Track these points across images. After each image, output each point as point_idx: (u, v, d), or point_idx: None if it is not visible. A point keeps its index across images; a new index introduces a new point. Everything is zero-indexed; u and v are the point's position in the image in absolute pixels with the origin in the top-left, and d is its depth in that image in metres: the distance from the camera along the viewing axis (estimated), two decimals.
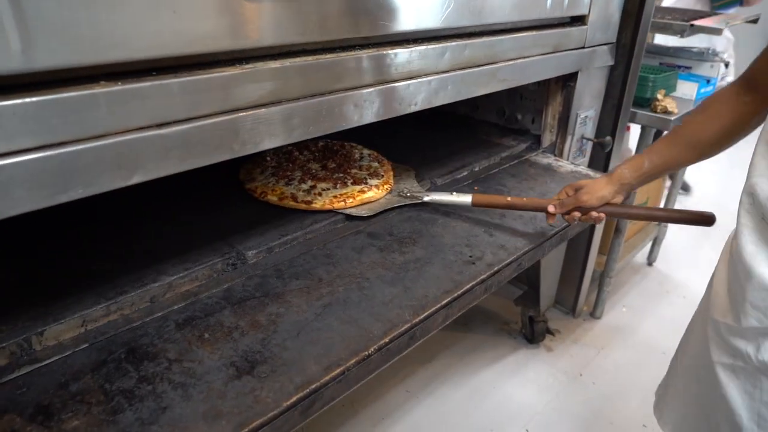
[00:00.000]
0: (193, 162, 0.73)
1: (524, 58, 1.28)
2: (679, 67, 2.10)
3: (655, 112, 1.76)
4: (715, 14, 2.06)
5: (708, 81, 1.98)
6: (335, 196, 1.21)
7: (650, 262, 2.68)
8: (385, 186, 1.29)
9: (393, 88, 0.97)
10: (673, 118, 1.72)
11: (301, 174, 1.31)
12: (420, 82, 1.02)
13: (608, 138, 1.62)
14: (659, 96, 1.75)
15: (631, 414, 1.79)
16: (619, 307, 2.34)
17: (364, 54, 0.91)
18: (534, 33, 1.28)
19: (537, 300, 1.99)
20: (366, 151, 1.49)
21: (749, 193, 0.74)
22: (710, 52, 2.05)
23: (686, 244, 2.83)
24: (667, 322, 2.24)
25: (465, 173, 1.46)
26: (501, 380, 1.91)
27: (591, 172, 1.52)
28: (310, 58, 0.84)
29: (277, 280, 0.97)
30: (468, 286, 0.97)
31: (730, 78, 2.16)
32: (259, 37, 0.77)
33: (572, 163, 1.57)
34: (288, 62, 0.82)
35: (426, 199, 1.24)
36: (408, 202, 1.25)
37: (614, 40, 1.58)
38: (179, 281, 0.94)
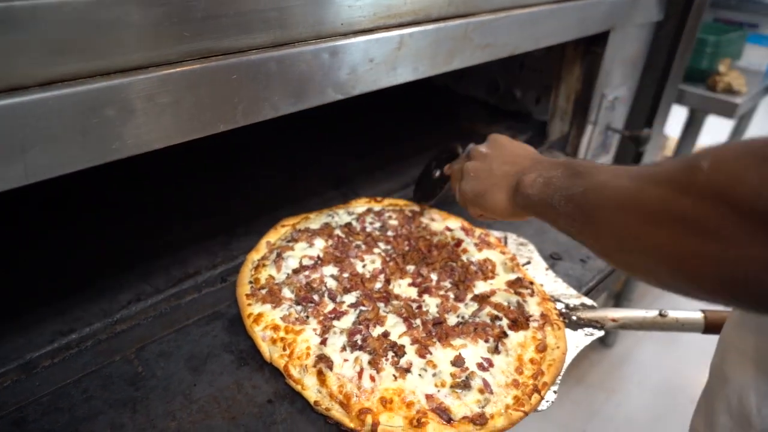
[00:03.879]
0: None
1: (523, 7, 0.75)
2: (742, 24, 1.54)
3: (714, 90, 1.23)
4: None
5: None
6: (512, 406, 0.56)
7: None
8: (557, 332, 0.66)
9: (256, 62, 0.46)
10: (739, 100, 1.20)
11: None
12: (298, 53, 0.52)
13: (646, 131, 1.10)
14: (722, 68, 1.22)
15: None
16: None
17: None
18: None
19: None
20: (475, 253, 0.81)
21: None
22: None
23: None
24: (699, 352, 1.78)
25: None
26: None
27: None
28: None
29: None
30: None
31: None
32: None
33: None
34: None
35: (612, 325, 0.68)
36: (588, 339, 0.66)
37: None
38: None
